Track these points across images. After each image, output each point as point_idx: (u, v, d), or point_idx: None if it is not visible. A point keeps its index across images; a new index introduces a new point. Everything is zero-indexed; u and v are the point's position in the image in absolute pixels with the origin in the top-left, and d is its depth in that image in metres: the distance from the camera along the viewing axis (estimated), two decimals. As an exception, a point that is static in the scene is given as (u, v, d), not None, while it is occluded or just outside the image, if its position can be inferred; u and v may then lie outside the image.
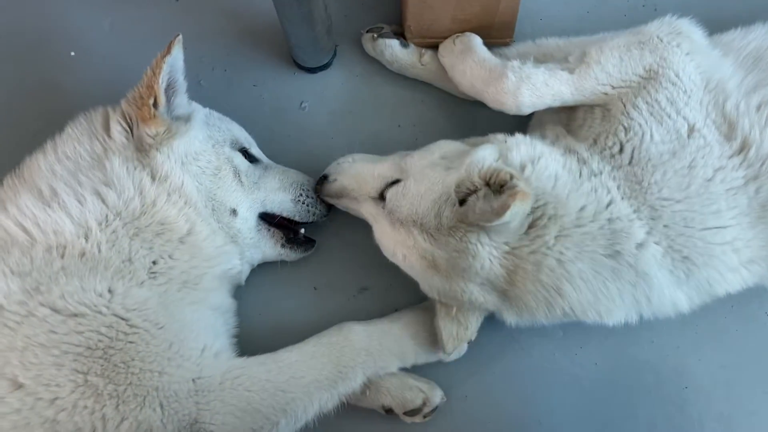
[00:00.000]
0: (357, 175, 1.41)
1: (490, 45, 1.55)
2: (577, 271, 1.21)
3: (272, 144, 1.61)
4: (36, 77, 1.71)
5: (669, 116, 1.27)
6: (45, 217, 1.24)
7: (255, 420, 1.23)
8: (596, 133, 1.33)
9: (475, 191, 1.23)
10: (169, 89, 1.35)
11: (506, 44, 1.63)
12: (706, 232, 1.24)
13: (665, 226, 1.24)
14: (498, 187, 1.20)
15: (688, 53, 1.31)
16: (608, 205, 1.24)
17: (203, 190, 1.36)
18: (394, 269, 1.57)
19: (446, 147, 1.39)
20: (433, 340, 1.40)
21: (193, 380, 1.22)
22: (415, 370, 1.44)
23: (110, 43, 1.73)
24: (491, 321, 1.47)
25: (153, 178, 1.30)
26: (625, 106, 1.30)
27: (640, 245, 1.23)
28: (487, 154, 1.26)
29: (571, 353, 1.52)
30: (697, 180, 1.24)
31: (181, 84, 1.39)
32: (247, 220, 1.43)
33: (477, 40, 1.53)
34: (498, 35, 1.61)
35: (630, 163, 1.27)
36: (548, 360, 1.51)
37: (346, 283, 1.58)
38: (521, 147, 1.29)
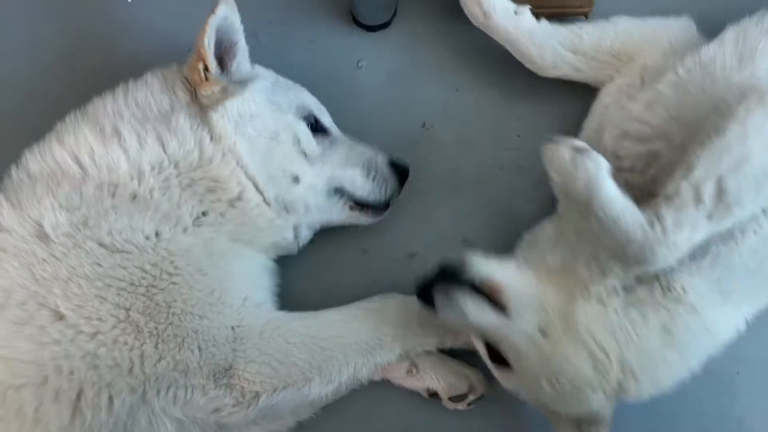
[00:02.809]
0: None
1: (566, 16, 1.48)
2: None
3: (325, 102, 1.54)
4: (89, 26, 1.70)
5: None
6: (102, 151, 1.23)
7: (290, 373, 1.21)
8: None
9: None
10: (228, 52, 1.32)
11: (585, 14, 1.55)
12: None
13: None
14: None
15: None
16: None
17: (258, 153, 1.31)
18: (442, 237, 1.54)
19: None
20: None
21: (232, 327, 1.21)
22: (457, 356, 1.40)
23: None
24: None
25: (211, 137, 1.28)
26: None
27: None
28: None
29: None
30: None
31: (241, 47, 1.35)
32: (312, 187, 1.37)
33: (603, 170, 1.07)
34: (579, 4, 1.53)
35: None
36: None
37: (395, 247, 1.54)
38: None
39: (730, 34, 1.30)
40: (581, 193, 1.05)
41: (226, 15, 1.29)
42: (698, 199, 1.05)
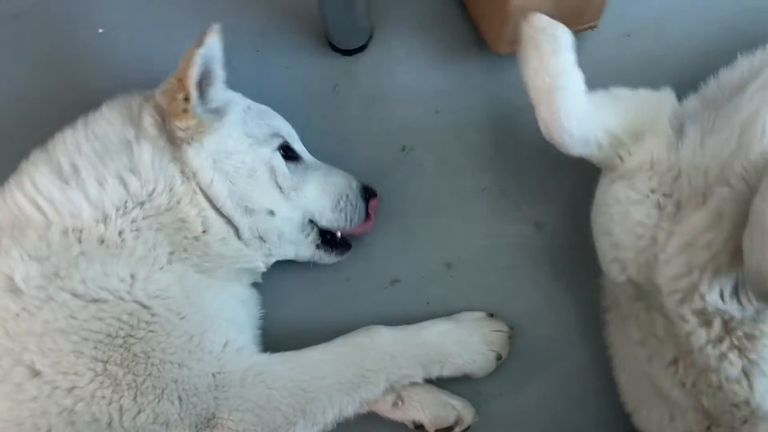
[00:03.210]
0: None
1: (577, 32, 1.45)
2: None
3: (302, 128, 1.53)
4: (61, 55, 1.67)
5: None
6: (61, 197, 1.20)
7: (274, 419, 1.19)
8: None
9: None
10: (205, 80, 1.27)
11: (592, 29, 1.52)
12: None
13: None
14: None
15: None
16: None
17: (236, 190, 1.29)
18: (425, 262, 1.52)
19: None
20: (461, 352, 1.34)
21: (213, 375, 1.18)
22: (442, 385, 1.38)
23: (141, 19, 1.68)
24: (522, 341, 1.42)
25: (183, 173, 1.25)
26: None
27: None
28: None
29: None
30: None
31: (218, 75, 1.30)
32: (287, 220, 1.36)
33: None
34: (588, 20, 1.50)
35: None
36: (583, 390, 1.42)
37: (378, 274, 1.52)
38: None
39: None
40: None
41: (213, 46, 1.25)
42: None
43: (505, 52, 1.50)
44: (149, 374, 1.13)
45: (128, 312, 1.15)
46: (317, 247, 1.43)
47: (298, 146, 1.44)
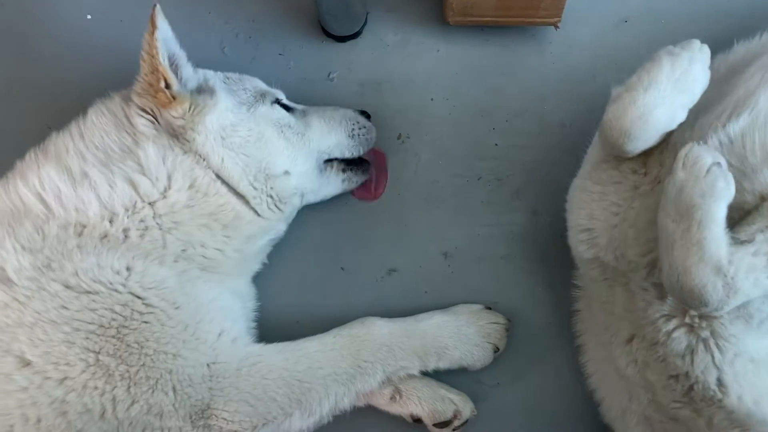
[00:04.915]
0: None
1: (534, 25, 1.43)
2: None
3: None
4: (49, 41, 1.63)
5: None
6: (71, 192, 1.18)
7: (269, 409, 1.18)
8: None
9: None
10: (171, 64, 1.24)
11: (554, 25, 1.51)
12: None
13: None
14: None
15: None
16: None
17: (250, 161, 1.27)
18: (422, 251, 1.51)
19: None
20: (458, 344, 1.33)
21: (208, 365, 1.16)
22: (440, 377, 1.37)
23: (130, 5, 1.64)
24: (520, 332, 1.42)
25: (198, 164, 1.23)
26: None
27: None
28: None
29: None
30: None
31: (180, 55, 1.27)
32: (304, 173, 1.36)
33: (726, 196, 1.03)
34: (546, 15, 1.49)
35: None
36: (581, 379, 1.40)
37: (374, 263, 1.51)
38: None
39: None
40: (693, 198, 1.01)
41: (164, 27, 1.22)
42: None
43: (454, 23, 1.53)
44: (143, 365, 1.11)
45: (122, 303, 1.13)
46: (343, 172, 1.45)
47: (285, 99, 1.44)
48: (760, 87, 1.12)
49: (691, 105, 1.14)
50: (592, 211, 1.24)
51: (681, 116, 1.13)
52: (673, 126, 1.14)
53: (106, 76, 1.49)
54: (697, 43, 1.16)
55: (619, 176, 1.22)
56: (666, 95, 1.11)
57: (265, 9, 1.63)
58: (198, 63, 1.34)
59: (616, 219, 1.21)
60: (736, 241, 1.02)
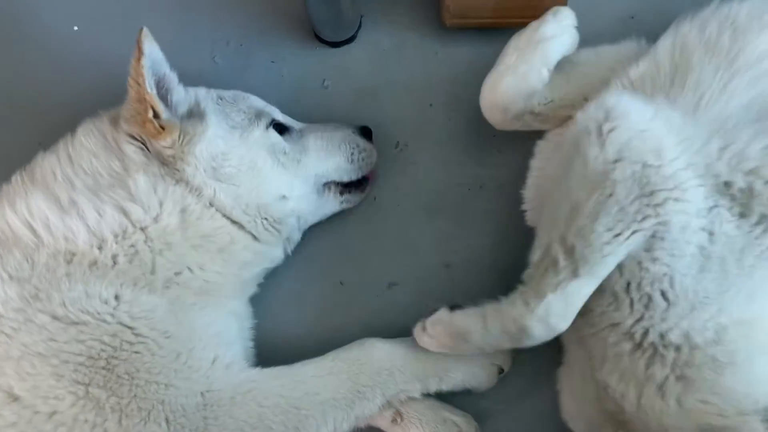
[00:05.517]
0: None
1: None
2: None
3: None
4: (35, 54, 1.60)
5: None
6: (58, 222, 1.15)
7: None
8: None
9: None
10: (160, 87, 1.20)
11: None
12: None
13: None
14: None
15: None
16: None
17: (243, 192, 1.24)
18: (423, 263, 1.47)
19: None
20: (460, 366, 1.29)
21: (202, 393, 1.13)
22: (444, 396, 1.32)
23: (117, 15, 1.60)
24: (523, 355, 1.35)
25: (190, 192, 1.21)
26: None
27: None
28: None
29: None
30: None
31: (171, 77, 1.23)
32: (302, 198, 1.34)
33: None
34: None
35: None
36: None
37: (374, 277, 1.47)
38: None
39: None
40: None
41: (152, 50, 1.18)
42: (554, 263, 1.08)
43: (452, 25, 1.49)
44: (134, 396, 1.08)
45: (110, 333, 1.10)
46: (341, 194, 1.42)
47: (281, 117, 1.40)
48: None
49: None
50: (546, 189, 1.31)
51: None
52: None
53: (95, 88, 1.47)
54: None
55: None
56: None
57: (257, 16, 1.59)
58: (188, 73, 1.30)
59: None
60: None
